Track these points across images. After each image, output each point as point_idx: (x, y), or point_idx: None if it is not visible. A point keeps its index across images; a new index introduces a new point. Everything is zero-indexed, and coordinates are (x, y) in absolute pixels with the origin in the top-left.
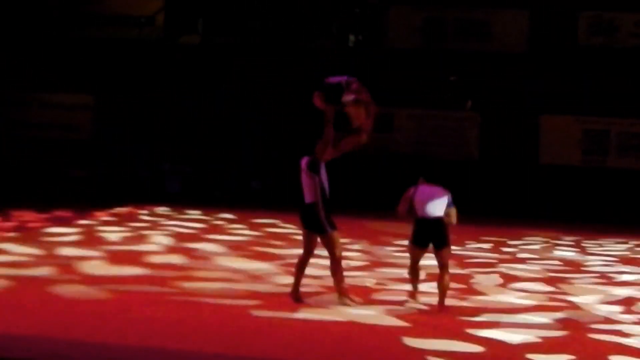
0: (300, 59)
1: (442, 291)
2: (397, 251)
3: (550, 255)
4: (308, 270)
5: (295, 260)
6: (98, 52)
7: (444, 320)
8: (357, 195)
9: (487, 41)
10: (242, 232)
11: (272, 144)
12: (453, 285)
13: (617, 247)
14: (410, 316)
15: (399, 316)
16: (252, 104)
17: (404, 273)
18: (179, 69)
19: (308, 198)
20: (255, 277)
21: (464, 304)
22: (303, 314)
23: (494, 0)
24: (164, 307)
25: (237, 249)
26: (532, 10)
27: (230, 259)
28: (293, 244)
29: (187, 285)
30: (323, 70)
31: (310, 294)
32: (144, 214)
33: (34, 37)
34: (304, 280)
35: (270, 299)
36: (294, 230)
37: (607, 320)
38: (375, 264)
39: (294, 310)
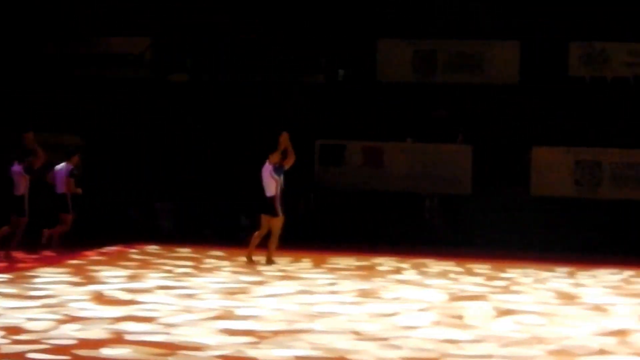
0: (290, 94)
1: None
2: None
3: (543, 286)
4: None
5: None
6: (87, 90)
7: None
8: (349, 230)
9: (479, 73)
10: (229, 270)
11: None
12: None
13: (611, 278)
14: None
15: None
16: (241, 141)
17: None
18: (168, 106)
19: (269, 193)
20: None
21: (455, 336)
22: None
23: (485, 32)
24: None
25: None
26: (522, 42)
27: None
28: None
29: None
30: (313, 106)
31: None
32: (134, 252)
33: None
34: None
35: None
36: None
37: (601, 352)
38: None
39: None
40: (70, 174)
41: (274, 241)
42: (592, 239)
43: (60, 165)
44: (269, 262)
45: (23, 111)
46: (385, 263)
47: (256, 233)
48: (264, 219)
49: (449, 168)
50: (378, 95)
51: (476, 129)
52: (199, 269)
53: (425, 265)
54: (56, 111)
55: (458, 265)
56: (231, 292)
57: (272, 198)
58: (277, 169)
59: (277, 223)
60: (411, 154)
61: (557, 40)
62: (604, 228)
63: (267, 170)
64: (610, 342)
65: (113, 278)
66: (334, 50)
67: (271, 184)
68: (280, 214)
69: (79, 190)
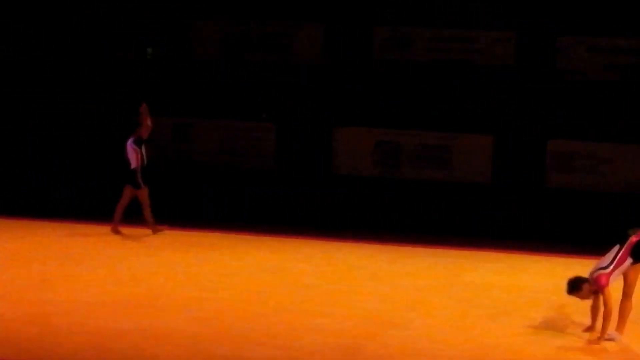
0: (102, 70)
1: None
2: None
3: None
4: None
5: None
6: None
7: None
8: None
9: (286, 53)
10: None
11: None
12: None
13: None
14: None
15: None
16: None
17: None
18: None
19: (131, 165)
20: None
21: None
22: None
23: (292, 14)
24: None
25: None
26: (327, 24)
27: None
28: None
29: None
30: (124, 82)
31: None
32: None
33: None
34: None
35: None
36: None
37: None
38: None
39: None
40: None
41: (146, 213)
42: (391, 218)
43: None
44: (155, 231)
45: None
46: (192, 236)
47: (118, 205)
48: (127, 189)
49: (254, 145)
50: (189, 72)
51: (280, 107)
52: None
53: (223, 239)
54: None
55: (258, 240)
56: None
57: (134, 170)
58: (136, 141)
59: (141, 194)
60: (218, 131)
61: (361, 24)
62: (404, 207)
63: (129, 142)
64: None
65: None
66: (145, 29)
67: (132, 156)
68: (143, 185)
69: None
